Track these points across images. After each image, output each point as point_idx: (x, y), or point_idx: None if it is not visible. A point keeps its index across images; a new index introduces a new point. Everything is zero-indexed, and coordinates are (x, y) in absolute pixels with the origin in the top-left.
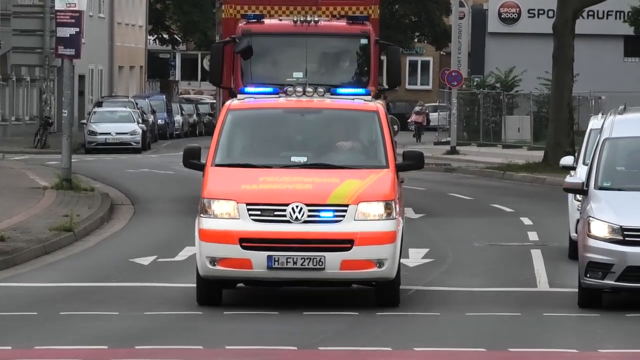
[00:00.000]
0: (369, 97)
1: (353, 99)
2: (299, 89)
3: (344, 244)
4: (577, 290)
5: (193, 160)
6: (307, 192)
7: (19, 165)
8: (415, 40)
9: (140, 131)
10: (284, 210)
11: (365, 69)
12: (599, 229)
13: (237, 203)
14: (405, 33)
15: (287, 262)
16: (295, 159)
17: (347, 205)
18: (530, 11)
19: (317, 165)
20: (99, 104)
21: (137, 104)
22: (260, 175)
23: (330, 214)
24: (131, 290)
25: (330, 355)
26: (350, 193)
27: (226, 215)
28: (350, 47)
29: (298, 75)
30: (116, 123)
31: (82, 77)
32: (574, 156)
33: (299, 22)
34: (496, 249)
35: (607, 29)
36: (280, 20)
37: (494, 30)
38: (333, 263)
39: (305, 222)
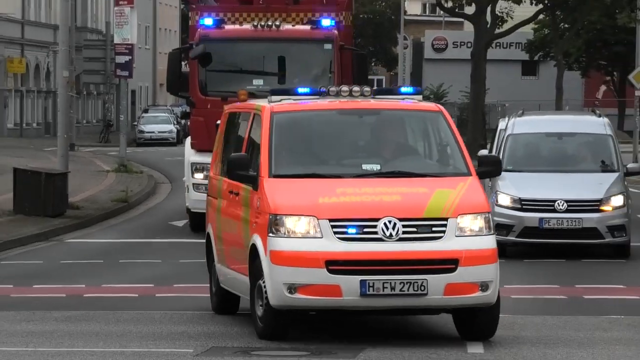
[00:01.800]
0: (420, 97)
1: (402, 99)
2: (345, 88)
3: (447, 264)
4: None
5: (241, 171)
6: (398, 205)
7: (88, 155)
8: (372, 64)
9: (175, 130)
10: (375, 227)
11: (329, 75)
12: (504, 199)
13: (318, 219)
14: None
15: (383, 287)
16: (367, 167)
17: (446, 219)
18: (455, 43)
19: (394, 173)
20: (145, 111)
21: (173, 110)
22: (336, 186)
23: (428, 229)
24: (170, 245)
25: None
26: (447, 204)
27: (306, 233)
28: (313, 52)
29: (258, 82)
30: (158, 124)
31: (133, 92)
32: (487, 148)
33: (259, 26)
34: None
35: (510, 55)
36: (241, 25)
37: (428, 57)
38: (436, 287)
39: (401, 239)
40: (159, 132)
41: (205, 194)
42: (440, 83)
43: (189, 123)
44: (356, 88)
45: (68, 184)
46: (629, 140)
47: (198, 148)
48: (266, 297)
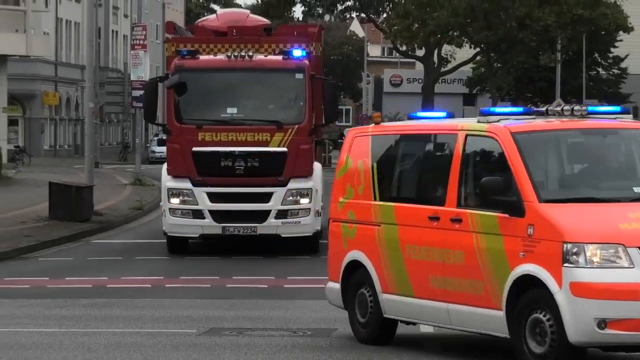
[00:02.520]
0: (630, 116)
1: (614, 118)
2: (567, 107)
3: None
4: None
5: (499, 196)
6: None
7: (110, 171)
8: (341, 96)
9: None
10: None
11: (301, 103)
12: None
13: (626, 247)
14: None
15: None
16: (638, 190)
17: None
18: (408, 79)
19: None
20: (156, 135)
21: None
22: (624, 210)
23: None
24: None
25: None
26: None
27: (614, 263)
28: (284, 81)
29: (232, 110)
30: None
31: None
32: None
33: (232, 57)
34: None
35: (453, 89)
36: (216, 55)
37: (387, 91)
38: None
39: None
40: None
41: (180, 219)
42: (397, 112)
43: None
44: (577, 107)
45: (93, 195)
46: None
47: (174, 174)
48: (553, 332)
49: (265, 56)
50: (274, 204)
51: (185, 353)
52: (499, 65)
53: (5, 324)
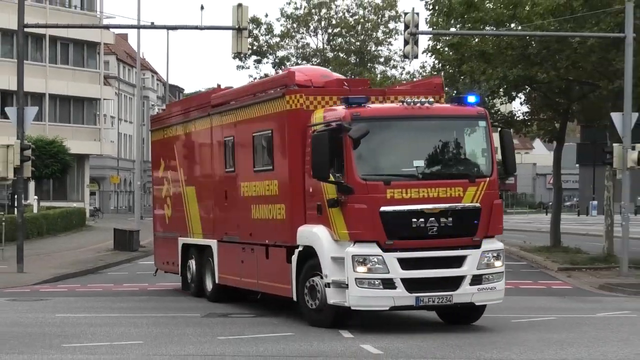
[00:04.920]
0: None
1: None
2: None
3: None
4: None
5: None
6: None
7: (149, 221)
8: None
9: None
10: None
11: (486, 154)
12: None
13: None
14: None
15: None
16: None
17: None
18: None
19: None
20: None
21: None
22: None
23: None
24: None
25: None
26: None
27: None
28: (468, 130)
29: (419, 163)
30: None
31: None
32: None
33: (412, 104)
34: None
35: None
36: (382, 103)
37: None
38: None
39: None
40: None
41: (369, 290)
42: None
43: (343, 210)
44: None
45: (140, 235)
46: None
47: (358, 238)
48: None
49: (431, 104)
50: (468, 269)
51: (193, 328)
52: None
53: (87, 312)
